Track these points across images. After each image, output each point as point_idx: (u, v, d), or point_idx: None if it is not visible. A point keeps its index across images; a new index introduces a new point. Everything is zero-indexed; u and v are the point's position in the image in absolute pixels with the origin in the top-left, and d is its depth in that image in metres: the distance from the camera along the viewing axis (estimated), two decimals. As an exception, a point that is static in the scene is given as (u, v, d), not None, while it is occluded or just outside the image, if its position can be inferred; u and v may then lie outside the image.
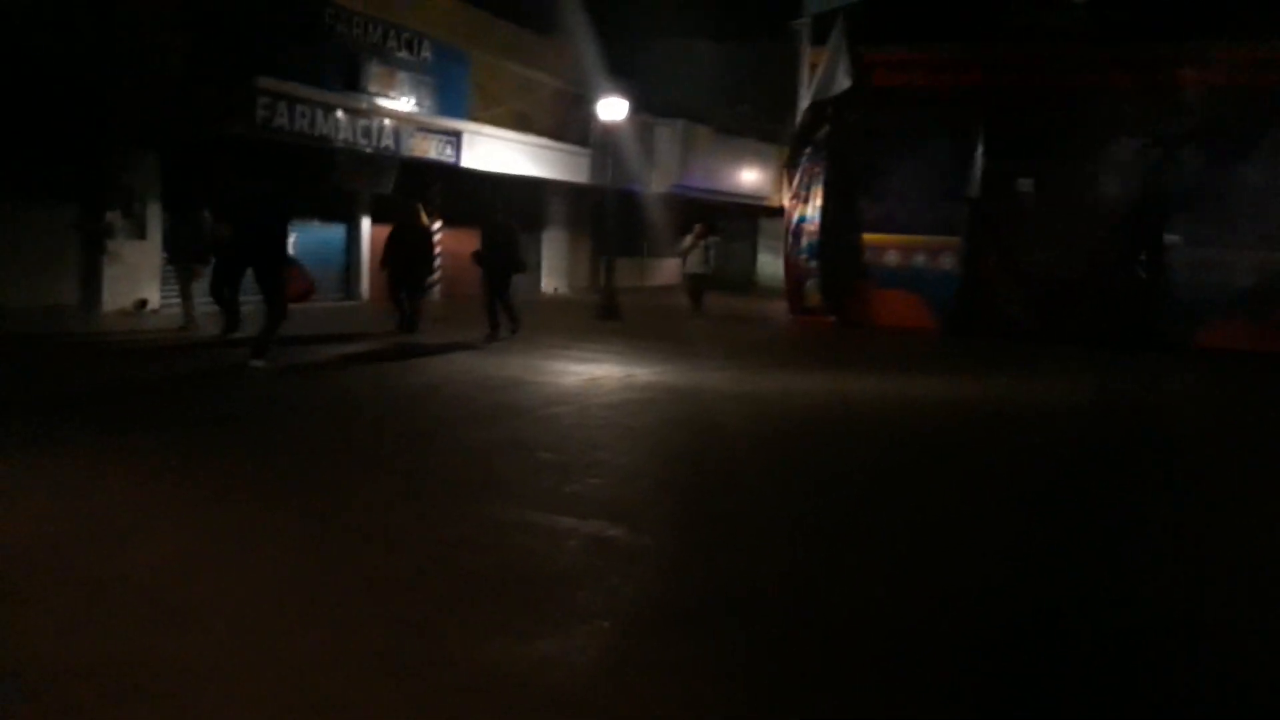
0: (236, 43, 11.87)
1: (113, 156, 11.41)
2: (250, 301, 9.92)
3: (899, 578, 4.17)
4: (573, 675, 3.06)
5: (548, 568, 4.05)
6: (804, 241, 16.66)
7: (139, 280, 12.35)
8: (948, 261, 15.69)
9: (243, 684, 2.87)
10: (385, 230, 12.91)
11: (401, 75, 14.88)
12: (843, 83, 15.85)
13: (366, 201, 15.58)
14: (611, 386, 8.89)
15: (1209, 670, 3.41)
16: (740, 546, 4.51)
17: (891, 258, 16.12)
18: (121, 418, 6.66)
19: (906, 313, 15.63)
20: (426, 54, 15.40)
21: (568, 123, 18.84)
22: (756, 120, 23.67)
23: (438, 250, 15.44)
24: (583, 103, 17.84)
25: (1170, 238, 14.47)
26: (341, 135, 13.43)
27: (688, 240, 16.91)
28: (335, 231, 15.57)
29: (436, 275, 15.73)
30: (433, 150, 15.25)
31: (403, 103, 14.80)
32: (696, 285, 16.79)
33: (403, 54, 14.98)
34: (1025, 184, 15.67)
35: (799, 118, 16.90)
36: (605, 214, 15.59)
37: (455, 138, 15.61)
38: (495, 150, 16.67)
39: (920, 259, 15.96)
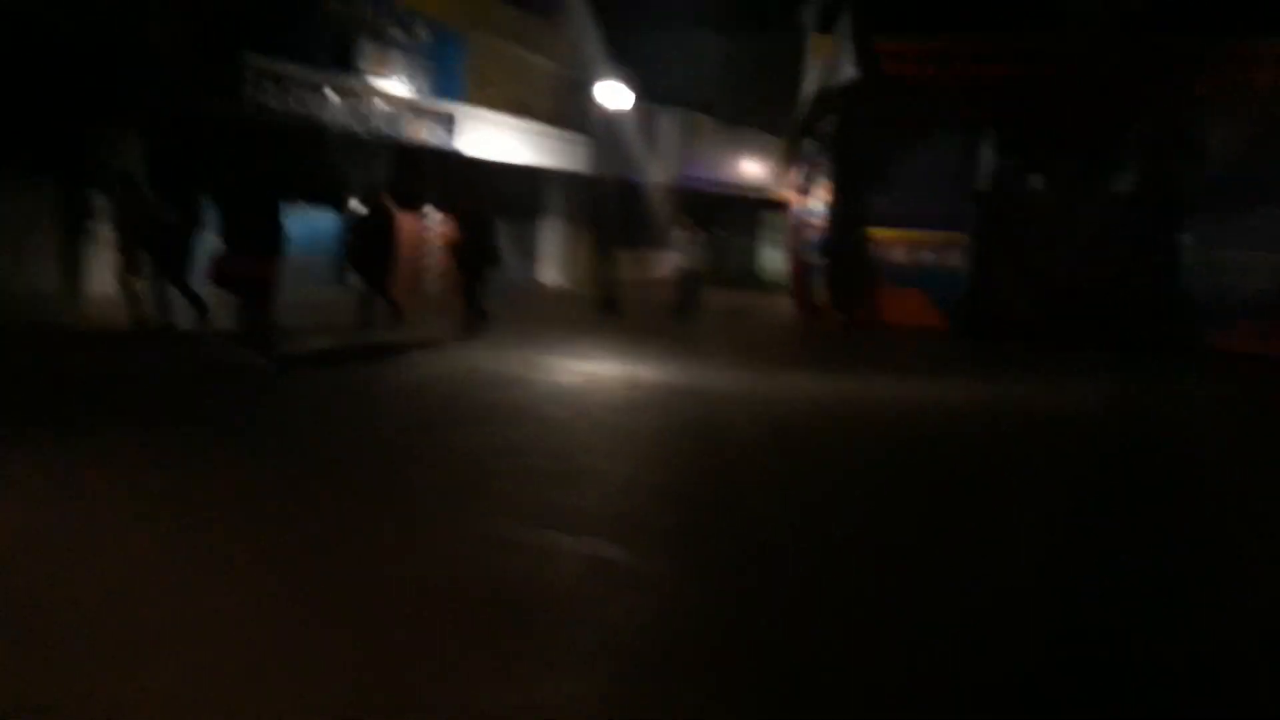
0: (223, 17, 11.35)
1: (93, 133, 10.87)
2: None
3: (930, 609, 3.73)
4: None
5: (538, 596, 3.62)
6: (809, 237, 16.21)
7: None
8: (956, 259, 15.25)
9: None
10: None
11: (395, 55, 14.36)
12: (848, 72, 15.36)
13: (358, 186, 15.05)
14: (611, 385, 8.45)
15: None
16: (751, 569, 4.08)
17: (898, 255, 15.66)
18: (87, 414, 6.21)
19: (915, 312, 15.19)
20: (421, 34, 14.88)
21: (568, 110, 18.33)
22: (760, 111, 23.18)
23: (428, 242, 14.89)
24: (583, 90, 17.33)
25: (1188, 237, 14.06)
26: (333, 116, 12.93)
27: (677, 233, 16.06)
28: (326, 218, 15.05)
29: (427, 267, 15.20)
30: (426, 134, 14.74)
31: (396, 84, 14.30)
32: (685, 282, 15.77)
33: (397, 33, 14.46)
34: (1037, 179, 15.25)
35: (802, 108, 16.41)
36: (605, 204, 15.12)
37: (449, 121, 15.11)
38: (491, 135, 16.17)
39: (928, 256, 15.51)
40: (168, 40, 10.94)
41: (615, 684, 2.96)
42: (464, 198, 12.63)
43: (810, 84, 16.16)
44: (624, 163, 18.57)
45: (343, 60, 13.39)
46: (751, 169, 24.16)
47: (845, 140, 15.74)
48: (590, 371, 9.05)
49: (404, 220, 13.84)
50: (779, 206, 22.23)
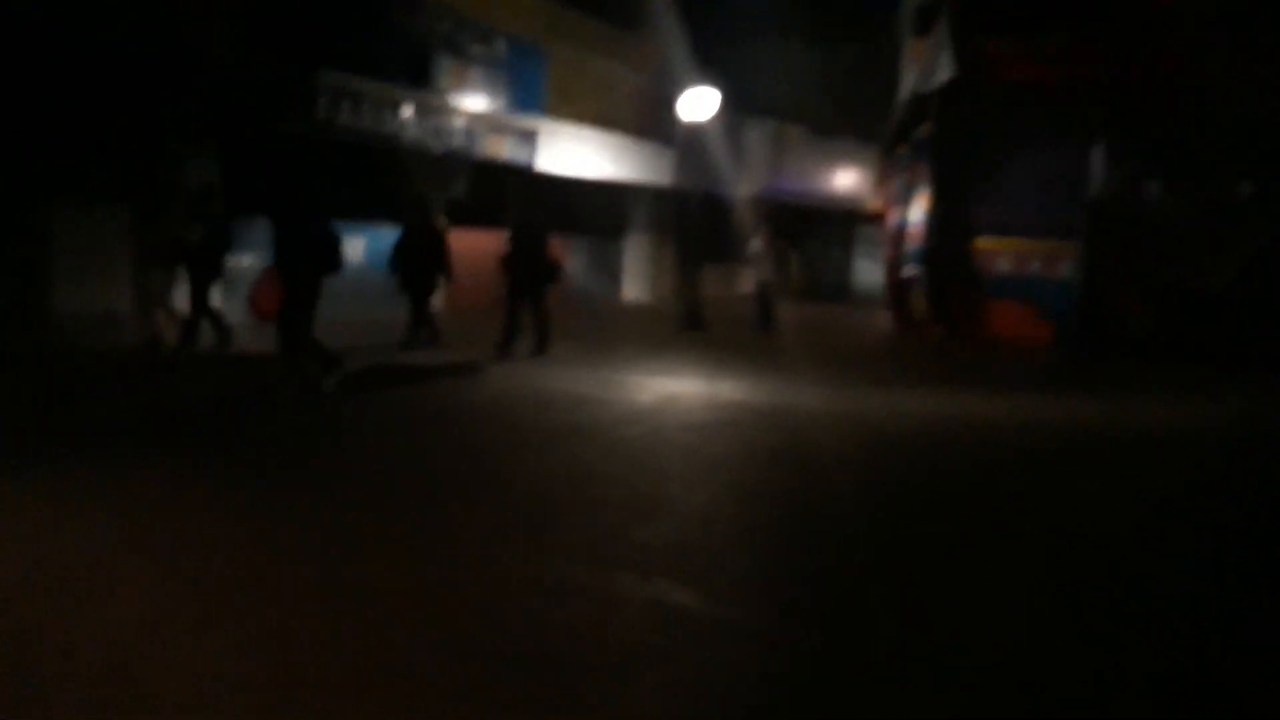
0: (296, 34, 11.20)
1: (169, 155, 10.80)
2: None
3: (1057, 669, 3.07)
4: None
5: (598, 650, 3.10)
6: (907, 247, 15.41)
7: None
8: (1066, 270, 14.28)
9: None
10: (458, 235, 12.06)
11: (474, 70, 14.12)
12: (945, 74, 14.55)
13: (437, 205, 14.84)
14: (691, 405, 7.88)
15: None
16: (840, 618, 3.47)
17: (1003, 265, 14.73)
18: (130, 437, 5.94)
19: (1020, 325, 14.27)
20: (501, 48, 14.62)
21: (652, 122, 17.90)
22: (854, 121, 22.41)
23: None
24: (668, 101, 16.88)
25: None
26: (409, 134, 12.70)
27: (755, 245, 15.21)
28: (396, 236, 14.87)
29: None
30: (507, 151, 14.44)
31: (475, 99, 14.03)
32: (762, 294, 14.95)
33: (476, 48, 14.21)
34: (1153, 186, 14.20)
35: (897, 114, 15.66)
36: (689, 217, 14.60)
37: (531, 137, 14.79)
38: (574, 150, 15.81)
39: (1035, 267, 14.56)
40: (243, 58, 10.82)
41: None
42: (516, 211, 12.10)
43: (906, 89, 15.40)
44: (710, 175, 18.04)
45: (420, 77, 13.18)
46: (844, 180, 23.38)
47: (945, 145, 14.93)
48: (669, 390, 8.50)
49: (476, 238, 13.56)
50: (873, 219, 21.44)
